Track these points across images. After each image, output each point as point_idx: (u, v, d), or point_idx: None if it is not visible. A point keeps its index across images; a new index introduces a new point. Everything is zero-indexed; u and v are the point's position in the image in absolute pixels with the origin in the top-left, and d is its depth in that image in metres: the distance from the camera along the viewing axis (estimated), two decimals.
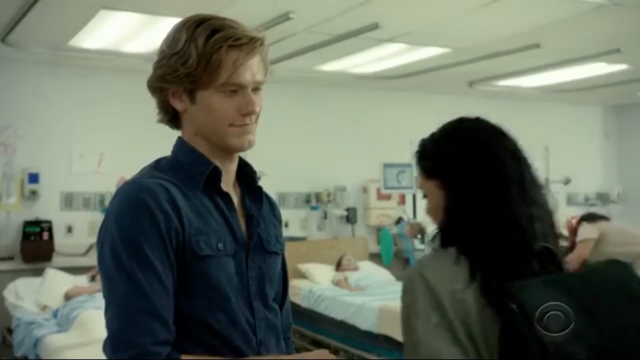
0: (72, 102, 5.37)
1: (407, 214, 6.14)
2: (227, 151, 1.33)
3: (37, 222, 5.14)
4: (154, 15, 4.06)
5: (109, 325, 1.19)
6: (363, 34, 4.35)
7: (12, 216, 5.10)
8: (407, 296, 1.26)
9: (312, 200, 6.32)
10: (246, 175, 1.41)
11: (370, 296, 4.93)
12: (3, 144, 4.81)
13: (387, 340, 4.31)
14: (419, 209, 6.23)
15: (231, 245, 1.29)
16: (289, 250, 6.00)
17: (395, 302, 4.86)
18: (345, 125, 6.46)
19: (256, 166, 6.08)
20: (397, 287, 5.40)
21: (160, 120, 1.37)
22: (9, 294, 4.78)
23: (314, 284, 5.55)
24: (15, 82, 5.20)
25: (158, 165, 1.33)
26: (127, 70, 5.22)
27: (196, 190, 1.29)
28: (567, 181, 7.38)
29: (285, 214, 6.65)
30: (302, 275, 5.72)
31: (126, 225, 1.20)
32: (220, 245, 1.26)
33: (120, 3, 3.93)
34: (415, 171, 5.90)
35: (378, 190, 6.27)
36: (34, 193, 5.19)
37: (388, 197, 6.44)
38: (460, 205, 1.25)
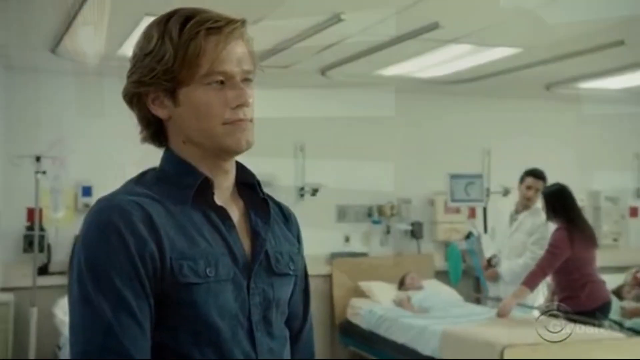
0: (123, 113, 5.23)
1: (477, 229, 5.72)
2: (223, 156, 1.17)
3: None
4: None
5: None
6: (422, 34, 4.02)
7: (63, 231, 5.02)
8: None
9: (374, 214, 5.98)
10: (249, 185, 1.22)
11: (433, 319, 4.63)
12: (53, 157, 4.73)
13: None
14: (490, 223, 5.80)
15: (227, 269, 1.12)
16: (350, 267, 5.65)
17: (459, 326, 4.41)
18: (409, 133, 6.09)
19: (313, 178, 5.67)
20: (463, 309, 5.01)
21: (144, 138, 1.22)
22: (59, 310, 4.70)
23: (375, 303, 5.27)
24: (66, 94, 5.14)
25: (142, 178, 1.20)
26: None
27: (185, 205, 1.14)
28: None
29: (345, 228, 6.36)
30: (363, 294, 5.46)
31: (92, 250, 1.07)
32: (209, 270, 1.10)
33: (163, 9, 3.77)
34: (486, 182, 5.38)
35: (445, 203, 5.89)
36: (87, 207, 5.11)
37: (457, 211, 6.06)
38: None
